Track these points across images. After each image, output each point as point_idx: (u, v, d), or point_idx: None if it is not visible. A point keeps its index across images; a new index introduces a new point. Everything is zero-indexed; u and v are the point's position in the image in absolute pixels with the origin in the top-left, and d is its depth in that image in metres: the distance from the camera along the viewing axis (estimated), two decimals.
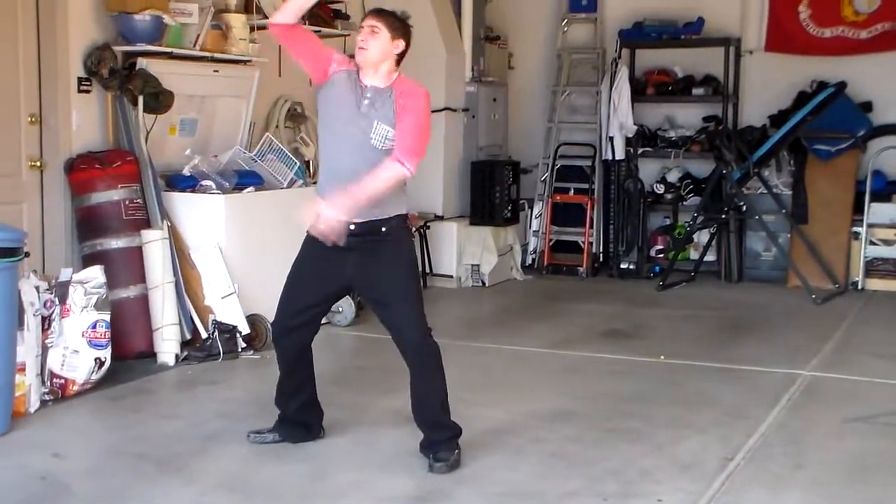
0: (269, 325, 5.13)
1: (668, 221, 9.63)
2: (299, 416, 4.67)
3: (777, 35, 9.54)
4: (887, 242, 8.76)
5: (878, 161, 8.94)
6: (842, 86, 8.95)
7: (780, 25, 9.50)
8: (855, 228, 8.83)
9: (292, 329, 4.50)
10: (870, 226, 8.77)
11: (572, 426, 5.02)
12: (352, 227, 4.22)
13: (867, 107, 9.17)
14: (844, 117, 8.98)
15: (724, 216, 9.06)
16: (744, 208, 8.97)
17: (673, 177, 9.70)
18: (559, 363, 6.31)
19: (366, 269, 4.35)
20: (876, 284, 8.73)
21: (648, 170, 9.79)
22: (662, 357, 6.37)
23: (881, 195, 8.86)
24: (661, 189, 9.66)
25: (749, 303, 8.29)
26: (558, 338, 6.92)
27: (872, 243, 8.78)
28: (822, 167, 9.01)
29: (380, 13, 4.37)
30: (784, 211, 8.89)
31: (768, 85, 9.55)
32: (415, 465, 4.41)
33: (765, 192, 8.99)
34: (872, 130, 9.06)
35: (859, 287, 8.72)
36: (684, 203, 9.54)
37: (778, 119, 9.32)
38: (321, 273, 4.41)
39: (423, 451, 4.44)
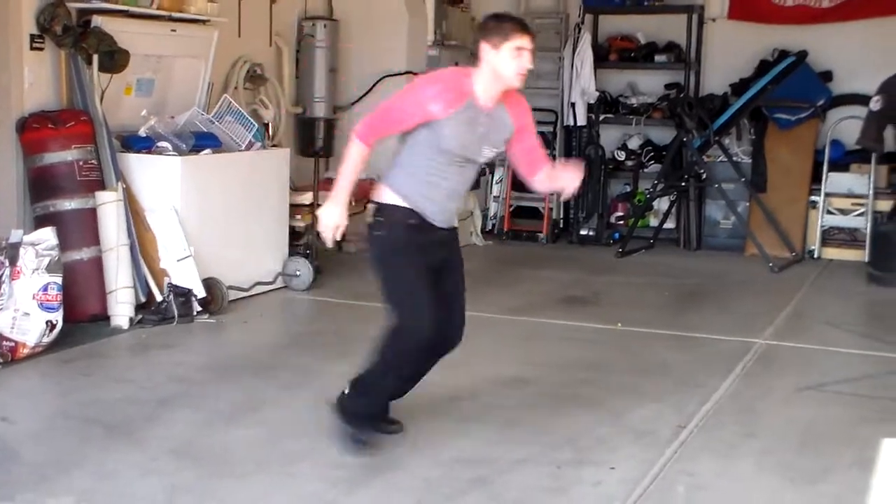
0: (400, 328, 4.13)
1: (628, 188, 9.66)
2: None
3: (740, 3, 9.56)
4: (844, 212, 8.84)
5: (836, 131, 8.99)
6: (802, 55, 8.97)
7: None
8: (813, 198, 8.88)
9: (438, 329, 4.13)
10: (827, 195, 8.83)
11: (528, 393, 5.03)
12: (440, 224, 4.11)
13: (827, 76, 9.21)
14: (805, 87, 9.02)
15: (683, 184, 9.08)
16: (704, 176, 9.00)
17: (634, 144, 9.71)
18: (517, 329, 6.31)
19: (446, 262, 4.24)
20: (832, 253, 8.81)
21: (610, 136, 9.79)
22: (619, 324, 6.39)
23: (839, 165, 8.92)
24: (622, 156, 9.67)
25: (707, 271, 8.34)
26: (516, 304, 6.92)
27: (829, 212, 8.85)
28: (781, 136, 9.05)
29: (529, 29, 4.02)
30: (743, 179, 8.93)
31: (730, 53, 9.56)
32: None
33: (725, 160, 9.02)
34: (832, 100, 9.10)
35: (816, 256, 8.79)
36: (645, 170, 9.56)
37: (739, 87, 9.34)
38: (428, 262, 4.14)
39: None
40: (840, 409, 4.95)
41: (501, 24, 3.94)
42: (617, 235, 9.28)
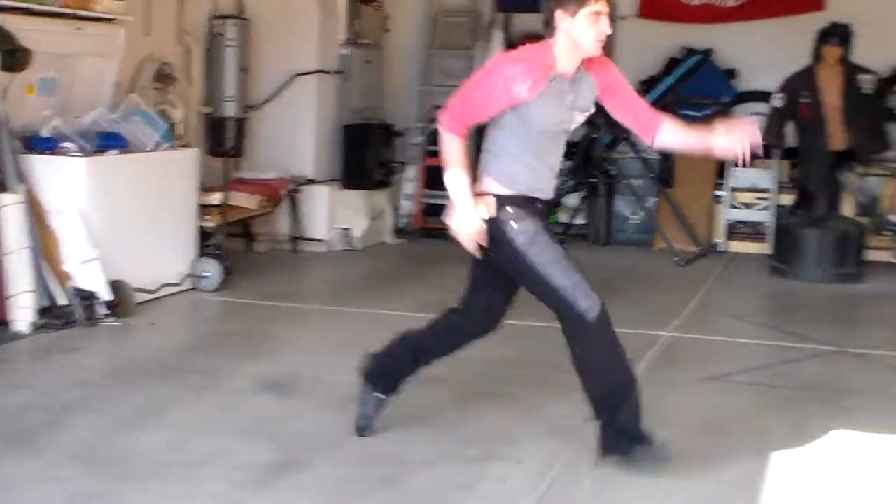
0: (573, 308, 4.02)
1: None
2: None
3: (650, 2, 9.71)
4: (748, 206, 9.03)
5: None
6: (708, 53, 9.17)
7: None
8: (718, 192, 9.06)
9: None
10: (732, 189, 9.01)
11: (440, 391, 5.02)
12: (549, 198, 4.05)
13: (732, 74, 9.40)
14: (711, 84, 9.21)
15: (593, 180, 9.19)
16: (613, 172, 9.12)
17: None
18: None
19: None
20: (737, 246, 9.01)
21: None
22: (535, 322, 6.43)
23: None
24: None
25: (616, 266, 8.45)
26: (427, 301, 6.89)
27: (734, 207, 9.04)
28: None
29: None
30: (652, 175, 9.08)
31: (641, 51, 9.67)
32: (276, 432, 4.38)
33: (634, 156, 9.16)
34: (737, 97, 9.29)
35: (721, 249, 8.97)
36: None
37: (649, 84, 9.48)
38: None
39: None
40: (742, 398, 5.06)
41: None
42: None
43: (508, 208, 3.91)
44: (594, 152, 9.14)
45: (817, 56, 7.83)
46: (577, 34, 3.76)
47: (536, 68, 3.77)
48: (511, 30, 9.90)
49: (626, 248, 9.18)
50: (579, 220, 9.45)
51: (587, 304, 3.94)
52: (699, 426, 4.62)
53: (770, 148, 8.58)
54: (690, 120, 8.99)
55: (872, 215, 8.37)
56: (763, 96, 8.60)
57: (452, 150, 3.90)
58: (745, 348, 6.04)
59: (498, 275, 4.15)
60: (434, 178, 9.67)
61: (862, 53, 7.94)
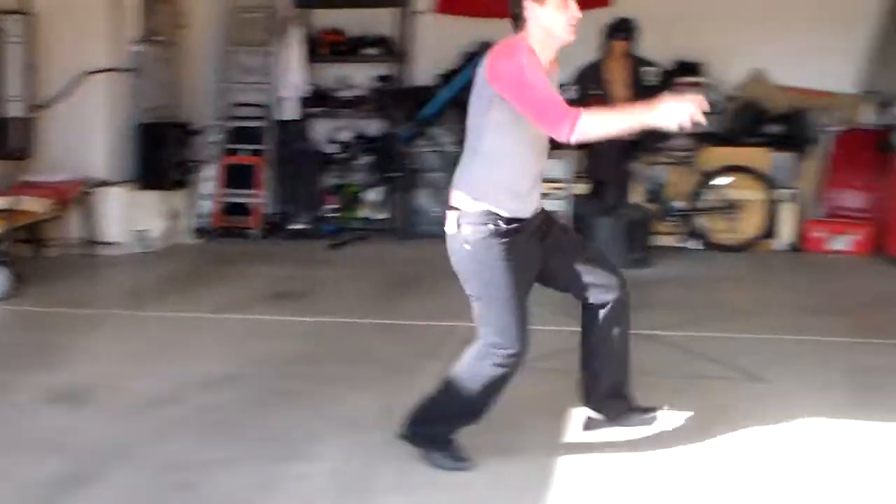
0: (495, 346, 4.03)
1: (340, 180, 9.74)
2: None
3: None
4: (545, 195, 9.01)
5: None
6: None
7: None
8: None
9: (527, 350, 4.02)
10: None
11: (237, 391, 5.00)
12: (531, 217, 3.91)
13: None
14: None
15: (394, 174, 9.26)
16: (413, 166, 9.21)
17: (346, 136, 9.81)
18: (226, 328, 6.25)
19: (555, 241, 4.08)
20: None
21: (322, 130, 9.86)
22: (332, 318, 6.46)
23: None
24: (333, 149, 9.75)
25: (418, 258, 8.51)
26: (226, 302, 6.86)
27: None
28: None
29: None
30: (452, 168, 9.16)
31: (439, 45, 9.80)
32: (67, 444, 4.24)
33: (433, 150, 9.27)
34: None
35: None
36: (357, 162, 9.68)
37: (447, 79, 9.61)
38: (530, 273, 4.01)
39: (626, 414, 4.30)
40: (538, 384, 5.17)
41: None
42: (330, 228, 9.35)
43: (466, 225, 3.82)
44: (393, 147, 9.19)
45: (605, 50, 8.10)
46: (549, 21, 3.71)
47: (534, 57, 3.67)
48: (310, 25, 9.86)
49: (429, 240, 9.22)
50: (382, 215, 9.50)
51: (513, 352, 4.00)
52: (497, 413, 4.67)
53: None
54: None
55: (659, 202, 8.73)
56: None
57: (596, 119, 3.64)
58: (542, 335, 6.03)
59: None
60: (233, 176, 9.57)
61: (647, 47, 8.27)
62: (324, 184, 9.74)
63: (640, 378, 5.19)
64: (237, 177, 9.58)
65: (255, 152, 9.59)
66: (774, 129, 9.05)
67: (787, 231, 8.87)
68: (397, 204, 9.44)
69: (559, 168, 9.17)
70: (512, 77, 3.62)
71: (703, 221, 8.79)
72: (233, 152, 9.64)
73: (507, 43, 3.76)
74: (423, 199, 9.49)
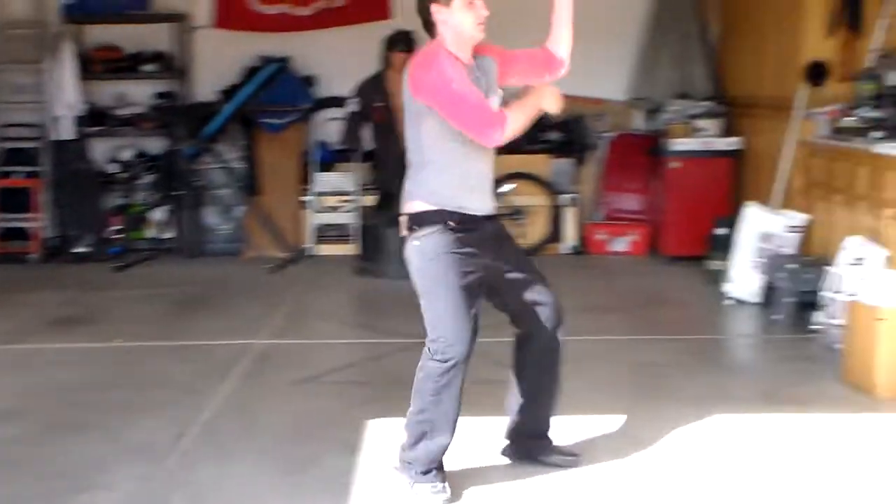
0: (437, 346, 3.92)
1: (123, 201, 9.46)
2: None
3: (224, 11, 9.67)
4: (334, 209, 9.28)
5: (322, 132, 9.42)
6: (285, 61, 9.32)
7: (228, 2, 9.64)
8: (304, 197, 9.24)
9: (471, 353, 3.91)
10: (318, 194, 9.22)
11: (15, 426, 4.76)
12: (486, 215, 3.90)
13: (311, 81, 9.62)
14: (290, 91, 9.35)
15: (179, 192, 9.06)
16: (199, 184, 9.05)
17: (127, 155, 9.53)
18: (3, 359, 5.96)
19: (500, 250, 3.97)
20: (325, 250, 9.21)
21: (102, 149, 9.55)
22: (119, 341, 6.26)
23: (326, 165, 9.36)
24: (115, 168, 9.46)
25: (208, 277, 8.38)
26: (3, 331, 6.53)
27: (321, 211, 9.25)
28: (271, 140, 9.32)
29: None
30: (238, 184, 9.10)
31: (219, 60, 9.65)
32: None
33: (218, 166, 9.13)
34: (316, 103, 9.51)
35: (311, 253, 9.15)
36: (140, 181, 9.42)
37: (229, 94, 9.48)
38: (474, 274, 3.86)
39: (542, 456, 4.18)
40: (331, 398, 5.20)
41: None
42: (115, 249, 9.05)
43: (416, 226, 3.83)
44: (177, 164, 9.00)
45: (386, 62, 8.18)
46: (457, 22, 3.75)
47: (447, 56, 3.74)
48: (83, 42, 9.53)
49: (217, 258, 9.12)
50: (168, 234, 9.28)
51: (453, 351, 3.86)
52: (291, 429, 4.70)
53: (350, 152, 8.90)
54: (272, 128, 9.24)
55: None
56: (340, 102, 8.86)
57: (513, 120, 3.71)
58: (336, 348, 6.21)
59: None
60: (7, 199, 9.14)
61: None
62: (106, 204, 9.43)
63: None
64: (12, 200, 9.14)
65: (31, 174, 9.18)
66: (554, 136, 9.35)
67: (570, 234, 9.18)
68: (184, 223, 9.24)
69: (346, 180, 9.21)
70: (435, 88, 3.69)
71: None
72: (6, 175, 9.20)
73: (424, 52, 3.82)
74: (211, 217, 9.32)
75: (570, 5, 4.02)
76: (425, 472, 3.95)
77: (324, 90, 9.62)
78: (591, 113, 9.15)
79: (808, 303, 6.10)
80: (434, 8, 3.76)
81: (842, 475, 4.08)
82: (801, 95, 7.12)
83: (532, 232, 9.01)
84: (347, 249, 9.00)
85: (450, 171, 3.81)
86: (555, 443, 4.23)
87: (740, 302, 6.83)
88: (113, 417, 4.86)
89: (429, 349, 3.92)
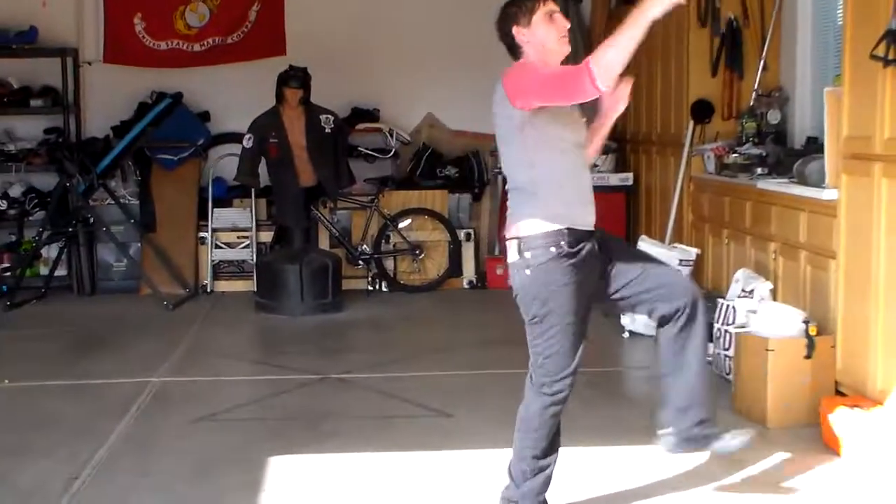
0: (542, 379, 3.79)
1: (13, 238, 9.23)
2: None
3: (115, 47, 9.57)
4: (231, 245, 9.21)
5: (218, 168, 9.35)
6: (178, 96, 9.26)
7: (118, 37, 9.55)
8: (201, 234, 9.15)
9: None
10: (214, 230, 9.15)
11: None
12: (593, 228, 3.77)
13: (205, 116, 9.56)
14: (185, 127, 9.28)
15: (71, 229, 8.89)
16: (91, 220, 8.90)
17: (16, 191, 9.30)
18: None
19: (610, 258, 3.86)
20: (223, 286, 9.13)
21: None
22: (7, 381, 6.10)
23: (223, 201, 9.30)
24: (3, 205, 9.23)
25: (103, 315, 8.22)
26: None
27: (218, 247, 9.17)
28: (167, 176, 9.22)
29: None
30: (132, 221, 8.98)
31: (110, 96, 9.54)
32: None
33: (112, 202, 9.00)
34: (211, 139, 9.46)
35: (209, 290, 9.06)
36: (30, 218, 9.20)
37: (121, 130, 9.36)
38: (585, 298, 3.74)
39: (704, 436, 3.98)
40: (231, 435, 5.15)
41: (522, 3, 3.71)
42: (5, 288, 8.82)
43: (526, 254, 3.69)
44: (70, 200, 8.83)
45: (280, 98, 8.18)
46: (540, 38, 3.70)
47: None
48: None
49: (113, 295, 8.96)
50: (61, 272, 9.09)
51: (556, 386, 3.78)
52: (189, 468, 4.63)
53: (246, 188, 8.86)
54: (167, 164, 9.14)
55: (345, 247, 8.89)
56: (236, 137, 8.82)
57: (605, 52, 3.36)
58: (234, 385, 6.16)
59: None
60: None
61: (322, 94, 8.42)
62: None
63: (335, 422, 5.31)
64: None
65: None
66: (450, 171, 9.45)
67: (469, 269, 9.25)
68: (77, 260, 9.06)
69: (243, 216, 9.17)
70: (526, 77, 3.64)
71: (389, 264, 9.03)
72: None
73: (512, 68, 3.78)
74: (104, 254, 9.16)
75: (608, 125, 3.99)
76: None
77: (219, 126, 9.58)
78: (488, 149, 9.26)
79: None
80: (515, 30, 3.74)
81: (732, 502, 4.19)
82: (688, 133, 7.35)
83: (431, 267, 9.07)
84: (246, 286, 8.94)
85: (550, 188, 3.71)
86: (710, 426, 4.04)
87: (637, 335, 6.97)
88: (2, 462, 4.72)
89: (536, 373, 3.83)
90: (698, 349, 3.90)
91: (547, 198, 3.69)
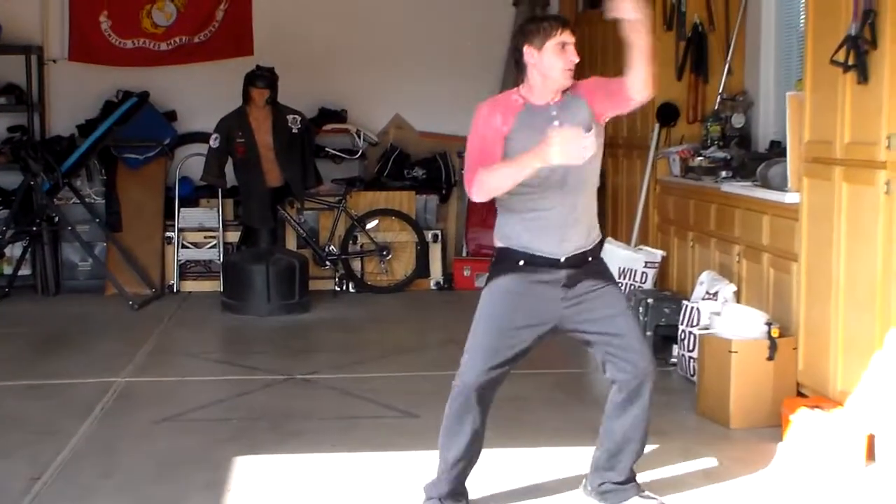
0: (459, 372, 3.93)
1: None
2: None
3: (80, 44, 9.50)
4: (198, 245, 9.18)
5: (185, 167, 9.31)
6: (145, 95, 9.21)
7: (83, 35, 9.48)
8: (168, 233, 9.11)
9: (487, 386, 3.90)
10: (181, 230, 9.10)
11: None
12: (562, 259, 3.83)
13: (172, 116, 9.51)
14: (151, 126, 9.23)
15: (35, 228, 8.82)
16: (56, 219, 8.83)
17: None
18: None
19: (580, 303, 3.89)
20: (190, 286, 9.09)
21: None
22: None
23: (190, 200, 9.26)
24: None
25: (67, 315, 8.17)
26: None
27: (185, 246, 9.13)
28: (132, 175, 9.17)
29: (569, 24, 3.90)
30: (98, 220, 8.92)
31: (75, 94, 9.48)
32: None
33: (77, 202, 8.95)
34: (178, 138, 9.41)
35: (175, 290, 9.01)
36: None
37: (87, 128, 9.30)
38: (533, 315, 3.86)
39: (624, 495, 4.07)
40: (195, 435, 5.12)
41: (541, 24, 3.81)
42: None
43: (492, 266, 3.96)
44: (34, 199, 8.75)
45: (247, 98, 8.16)
46: (546, 66, 3.78)
47: (501, 104, 3.88)
48: None
49: (78, 295, 8.90)
50: (25, 271, 9.02)
51: (465, 378, 3.91)
52: (153, 468, 4.62)
53: (213, 187, 8.83)
54: (133, 164, 9.10)
55: (312, 247, 8.88)
56: (203, 137, 8.79)
57: (483, 177, 3.75)
58: (200, 385, 6.13)
59: None
60: None
61: (290, 94, 8.41)
62: None
63: (301, 423, 5.30)
64: None
65: None
66: (418, 172, 9.46)
67: (436, 270, 9.27)
68: (42, 259, 8.99)
69: (210, 216, 9.13)
70: (470, 135, 3.89)
71: (356, 264, 9.02)
72: None
73: (492, 97, 4.03)
74: (69, 253, 9.10)
75: (644, 39, 3.78)
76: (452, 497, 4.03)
77: (185, 125, 9.55)
78: (455, 150, 9.28)
79: (667, 336, 6.28)
80: (527, 49, 3.82)
81: (695, 502, 4.23)
82: (654, 136, 7.40)
83: (398, 268, 9.08)
84: (212, 286, 8.91)
85: (512, 212, 3.90)
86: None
87: None
88: None
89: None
90: (633, 427, 3.99)
91: (507, 221, 3.91)
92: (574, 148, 3.54)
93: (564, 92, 3.85)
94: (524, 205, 3.84)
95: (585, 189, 3.90)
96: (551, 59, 3.78)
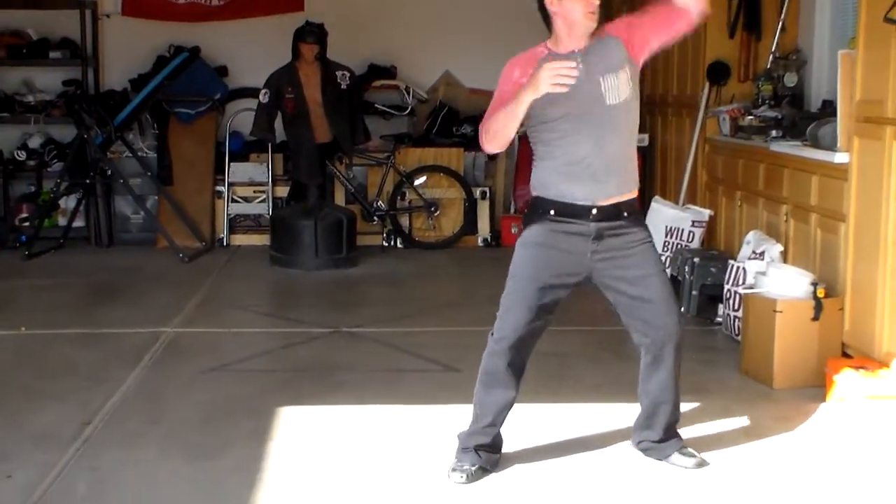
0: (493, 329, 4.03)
1: (32, 189, 9.33)
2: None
3: (133, 0, 9.60)
4: (247, 199, 9.27)
5: (235, 122, 9.39)
6: (196, 51, 9.28)
7: None
8: (218, 187, 9.21)
9: (522, 341, 3.97)
10: (231, 184, 9.19)
11: None
12: (594, 209, 3.83)
13: (223, 71, 9.58)
14: (202, 81, 9.31)
15: (89, 181, 8.96)
16: (109, 173, 8.96)
17: (35, 143, 9.40)
18: None
19: (612, 258, 3.91)
20: (240, 240, 9.20)
21: (8, 136, 9.40)
22: (23, 328, 6.19)
23: (239, 155, 9.34)
24: (22, 156, 9.32)
25: (119, 266, 8.32)
26: None
27: (235, 201, 9.23)
28: (184, 129, 9.27)
29: None
30: (149, 174, 9.04)
31: (129, 49, 9.59)
32: None
33: (130, 155, 9.06)
34: (228, 94, 9.49)
35: (225, 243, 9.12)
36: (49, 169, 9.30)
37: (139, 83, 9.40)
38: (563, 270, 3.92)
39: (663, 452, 4.13)
40: (241, 385, 5.21)
41: None
42: (24, 238, 8.91)
43: (525, 216, 4.00)
44: (87, 152, 8.88)
45: (296, 53, 8.19)
46: (567, 11, 3.79)
47: (524, 58, 3.89)
48: None
49: (130, 247, 9.05)
50: (79, 223, 9.18)
51: (498, 336, 3.99)
52: (199, 416, 4.70)
53: (263, 142, 8.89)
54: (184, 118, 9.18)
55: (361, 203, 8.92)
56: (253, 92, 8.85)
57: (486, 124, 3.88)
58: (246, 337, 6.22)
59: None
60: None
61: (339, 50, 8.43)
62: (15, 192, 9.29)
63: (345, 375, 5.37)
64: None
65: None
66: (467, 129, 9.45)
67: (484, 227, 9.29)
68: (95, 211, 9.13)
69: (260, 170, 9.21)
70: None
71: (404, 220, 9.06)
72: None
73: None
74: (122, 206, 9.24)
75: None
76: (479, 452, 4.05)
77: (236, 80, 9.61)
78: None
79: (713, 296, 6.25)
80: (548, 1, 3.84)
81: (735, 460, 4.23)
82: (704, 95, 7.32)
83: (446, 224, 9.11)
84: (261, 239, 9.00)
85: (544, 159, 3.93)
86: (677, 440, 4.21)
87: None
88: (18, 405, 4.82)
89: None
90: (661, 389, 4.04)
91: (540, 169, 3.94)
92: (559, 74, 3.61)
93: (592, 37, 3.83)
94: (557, 150, 3.85)
95: (618, 134, 3.85)
96: (571, 3, 3.78)
